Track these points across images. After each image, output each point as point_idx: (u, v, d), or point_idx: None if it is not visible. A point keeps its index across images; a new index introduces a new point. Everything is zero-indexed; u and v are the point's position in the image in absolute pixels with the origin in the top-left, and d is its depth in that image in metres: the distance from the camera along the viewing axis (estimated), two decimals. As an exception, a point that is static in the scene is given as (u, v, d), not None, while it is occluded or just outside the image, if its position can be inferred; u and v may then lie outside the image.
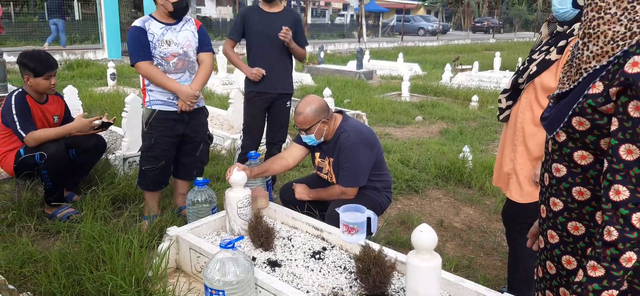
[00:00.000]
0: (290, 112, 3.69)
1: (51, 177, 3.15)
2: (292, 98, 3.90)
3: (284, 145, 3.88)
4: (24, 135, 3.09)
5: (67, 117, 3.52)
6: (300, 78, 10.24)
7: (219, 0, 41.07)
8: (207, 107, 6.37)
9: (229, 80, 9.37)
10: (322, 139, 2.91)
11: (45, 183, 3.19)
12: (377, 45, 22.62)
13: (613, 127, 1.06)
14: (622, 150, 1.04)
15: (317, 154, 3.05)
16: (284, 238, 2.78)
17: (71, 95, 5.19)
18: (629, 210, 1.04)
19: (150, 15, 3.04)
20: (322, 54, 13.23)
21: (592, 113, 1.11)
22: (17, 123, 3.09)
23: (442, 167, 4.55)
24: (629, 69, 1.01)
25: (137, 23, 2.98)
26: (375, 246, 2.37)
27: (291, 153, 3.07)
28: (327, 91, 6.14)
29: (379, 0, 39.95)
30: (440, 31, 31.21)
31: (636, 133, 1.03)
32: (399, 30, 30.40)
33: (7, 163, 3.23)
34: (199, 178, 3.01)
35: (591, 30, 1.16)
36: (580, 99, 1.14)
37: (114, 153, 4.15)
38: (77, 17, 24.01)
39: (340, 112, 3.02)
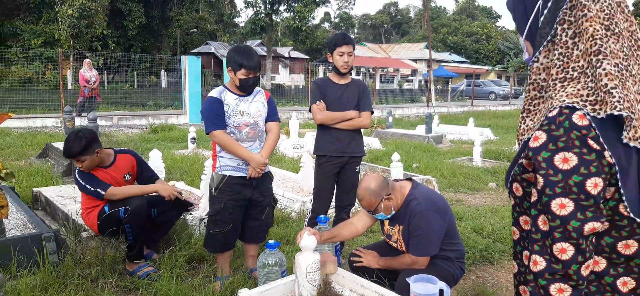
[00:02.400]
0: (360, 175, 3.73)
1: (133, 231, 3.36)
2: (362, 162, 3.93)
3: (352, 209, 3.90)
4: (102, 193, 3.38)
5: (140, 173, 3.75)
6: (369, 142, 10.31)
7: (291, 69, 42.89)
8: (278, 170, 6.61)
9: (300, 144, 9.62)
10: (392, 212, 2.91)
11: (127, 238, 3.39)
12: (446, 110, 22.44)
13: (533, 198, 1.09)
14: (540, 221, 1.07)
15: (386, 222, 3.04)
16: (352, 306, 2.75)
17: (155, 159, 5.54)
18: (546, 280, 1.05)
19: (225, 86, 3.24)
20: (390, 119, 13.31)
21: (520, 181, 1.15)
22: (89, 188, 3.41)
23: (518, 237, 4.34)
24: (531, 143, 1.05)
25: (213, 94, 3.18)
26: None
27: (360, 219, 3.08)
28: (395, 156, 6.13)
29: (448, 66, 39.97)
30: (512, 95, 30.50)
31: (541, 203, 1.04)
32: (468, 94, 30.08)
33: (91, 221, 3.50)
34: (271, 241, 3.07)
35: (531, 107, 1.21)
36: (516, 165, 1.18)
37: (191, 214, 4.34)
38: (163, 85, 25.94)
39: (409, 179, 3.02)
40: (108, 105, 17.87)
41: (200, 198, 3.69)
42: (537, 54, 1.15)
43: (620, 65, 1.05)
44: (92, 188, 3.41)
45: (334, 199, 3.89)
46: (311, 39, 31.05)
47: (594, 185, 1.02)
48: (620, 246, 1.10)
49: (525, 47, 1.22)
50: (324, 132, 3.66)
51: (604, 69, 1.02)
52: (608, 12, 1.10)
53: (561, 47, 1.08)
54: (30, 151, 8.71)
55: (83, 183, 3.43)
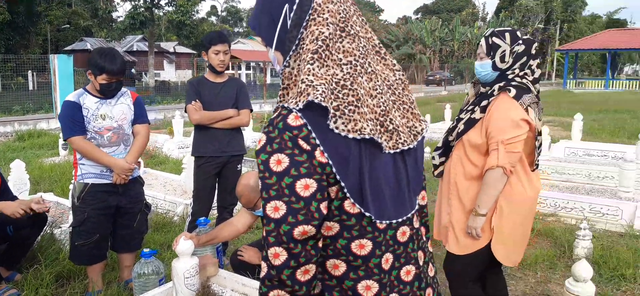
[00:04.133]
0: (242, 174, 3.72)
1: None
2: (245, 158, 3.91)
3: (235, 209, 3.88)
4: None
5: (4, 190, 3.41)
6: (259, 137, 10.29)
7: (177, 64, 41.31)
8: (160, 172, 6.35)
9: (185, 144, 9.34)
10: None
11: (-20, 263, 3.06)
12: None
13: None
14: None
15: (266, 218, 3.06)
16: (234, 306, 2.74)
17: (18, 170, 5.05)
18: (266, 287, 1.07)
19: (85, 89, 3.05)
20: (279, 113, 13.37)
21: None
22: None
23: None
24: (257, 146, 1.06)
25: (71, 97, 2.97)
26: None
27: (241, 218, 3.07)
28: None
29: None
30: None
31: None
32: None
33: None
34: (146, 250, 2.96)
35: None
36: None
37: (60, 227, 4.03)
38: (30, 87, 23.59)
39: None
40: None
41: (48, 207, 3.39)
42: (287, 59, 1.14)
43: (354, 62, 1.09)
44: None
45: (216, 200, 3.84)
46: (196, 33, 30.05)
47: (304, 186, 1.00)
48: (354, 247, 1.08)
49: (275, 59, 1.21)
50: (202, 133, 3.59)
51: (313, 69, 1.05)
52: (343, 15, 1.14)
53: (304, 53, 1.10)
54: None
55: None
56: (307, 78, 1.05)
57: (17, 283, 3.29)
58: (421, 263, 1.24)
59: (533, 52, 2.23)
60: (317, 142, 1.02)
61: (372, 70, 1.14)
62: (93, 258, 3.14)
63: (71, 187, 4.26)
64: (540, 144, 2.30)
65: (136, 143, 3.13)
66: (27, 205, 3.19)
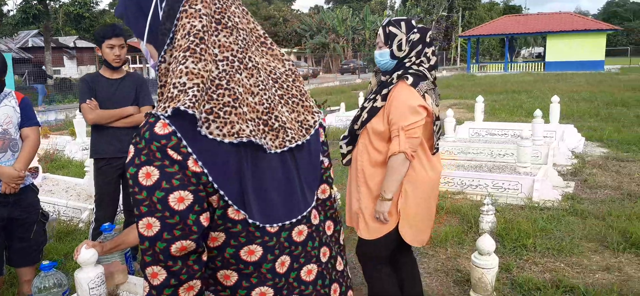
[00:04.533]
0: None
1: None
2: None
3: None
4: None
5: None
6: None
7: (79, 60, 38.70)
8: (61, 177, 5.91)
9: (88, 145, 8.78)
10: None
11: None
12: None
13: None
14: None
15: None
16: (145, 313, 2.61)
17: None
18: None
19: None
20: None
21: None
22: None
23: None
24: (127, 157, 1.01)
25: None
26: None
27: (147, 220, 2.92)
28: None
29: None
30: (310, 75, 32.46)
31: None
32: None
33: None
34: (46, 262, 2.73)
35: None
36: None
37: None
38: None
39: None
40: None
41: None
42: (162, 54, 1.05)
43: (231, 57, 1.03)
44: None
45: (122, 204, 3.62)
46: (97, 26, 28.28)
47: (178, 199, 0.93)
48: (243, 254, 1.03)
49: (148, 52, 1.11)
50: (100, 133, 3.35)
51: (187, 67, 0.97)
52: (220, 5, 1.07)
53: (176, 50, 1.01)
54: None
55: None
56: (178, 82, 0.96)
57: None
58: (325, 259, 1.19)
59: (427, 40, 2.31)
60: (189, 150, 0.94)
61: (253, 65, 1.07)
62: None
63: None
64: (439, 128, 2.40)
65: (25, 149, 2.86)
66: None
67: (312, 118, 1.17)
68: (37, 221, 3.02)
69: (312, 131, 1.16)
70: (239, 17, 1.10)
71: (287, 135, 1.08)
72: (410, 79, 2.23)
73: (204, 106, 0.96)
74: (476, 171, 5.55)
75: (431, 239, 3.82)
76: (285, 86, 1.14)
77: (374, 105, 2.29)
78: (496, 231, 3.93)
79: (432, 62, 2.33)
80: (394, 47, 2.30)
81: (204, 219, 0.97)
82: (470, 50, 37.72)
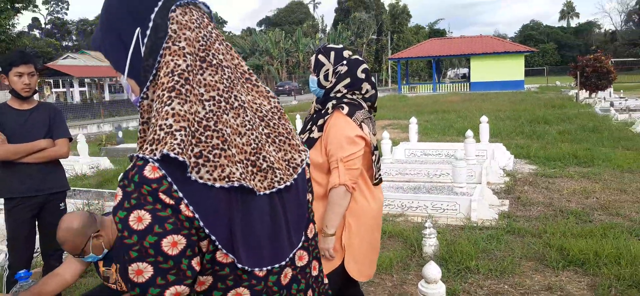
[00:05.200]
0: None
1: None
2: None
3: (65, 254, 3.33)
4: None
5: None
6: (97, 162, 9.33)
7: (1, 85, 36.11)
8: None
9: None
10: (104, 251, 2.55)
11: None
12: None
13: None
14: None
15: (101, 262, 2.66)
16: None
17: None
18: None
19: None
20: (120, 133, 12.35)
21: None
22: None
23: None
24: (113, 201, 0.97)
25: None
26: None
27: (68, 267, 2.61)
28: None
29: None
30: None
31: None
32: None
33: None
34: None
35: None
36: None
37: None
38: None
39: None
40: None
41: None
42: (145, 90, 1.00)
43: (217, 97, 1.00)
44: None
45: (38, 246, 3.25)
46: (14, 49, 26.57)
47: (171, 244, 0.90)
48: None
49: (129, 87, 1.06)
50: (8, 170, 2.98)
51: (173, 108, 0.93)
52: (204, 43, 1.02)
53: (159, 89, 0.97)
54: None
55: None
56: (165, 123, 0.92)
57: None
58: None
59: (358, 74, 2.25)
60: (180, 194, 0.91)
61: (239, 104, 1.03)
62: None
63: None
64: (378, 158, 2.32)
65: None
66: None
67: (299, 156, 1.15)
68: None
69: (299, 170, 1.14)
70: (222, 53, 1.05)
71: (276, 176, 1.06)
72: (346, 108, 2.16)
73: (192, 150, 0.94)
74: (415, 192, 5.58)
75: (377, 266, 3.73)
76: (271, 124, 1.11)
77: (311, 136, 2.20)
78: (439, 254, 3.91)
79: (367, 95, 2.27)
80: (321, 77, 2.26)
81: (196, 264, 0.95)
82: (400, 72, 38.96)
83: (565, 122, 12.19)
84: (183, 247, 0.91)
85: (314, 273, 1.21)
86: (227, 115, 1.00)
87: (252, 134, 1.04)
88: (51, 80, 35.05)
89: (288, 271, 1.10)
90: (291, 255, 1.11)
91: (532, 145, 8.96)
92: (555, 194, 5.77)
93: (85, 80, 35.78)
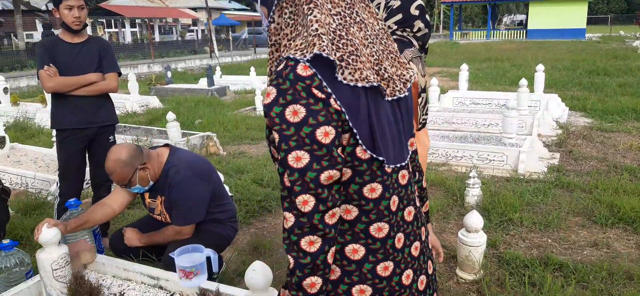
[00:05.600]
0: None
1: None
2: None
3: (114, 185, 3.48)
4: None
5: None
6: (147, 101, 9.61)
7: (52, 23, 37.39)
8: (30, 147, 5.63)
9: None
10: (150, 183, 2.64)
11: None
12: (230, 60, 22.34)
13: (276, 156, 1.13)
14: (285, 178, 1.07)
15: (147, 194, 2.76)
16: (115, 295, 2.45)
17: None
18: (296, 235, 1.06)
19: None
20: (169, 74, 12.60)
21: (270, 143, 1.16)
22: None
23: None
24: (265, 100, 1.07)
25: None
26: (213, 287, 2.17)
27: (116, 197, 2.73)
28: (170, 115, 5.76)
29: (230, 14, 39.67)
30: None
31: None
32: (252, 42, 30.42)
33: None
34: (5, 241, 2.54)
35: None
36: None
37: None
38: None
39: (167, 145, 2.77)
40: None
41: None
42: (271, 14, 1.15)
43: (342, 13, 1.11)
44: None
45: (89, 178, 3.40)
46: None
47: (324, 134, 1.02)
48: (366, 191, 1.12)
49: (262, 13, 1.20)
50: (61, 102, 3.10)
51: (315, 16, 1.06)
52: None
53: (290, 6, 1.12)
54: None
55: None
56: (311, 29, 1.06)
57: None
58: (418, 204, 1.30)
59: (413, 11, 2.13)
60: (329, 90, 1.04)
61: (361, 20, 1.15)
62: None
63: None
64: (425, 101, 2.23)
65: None
66: None
67: (407, 73, 1.23)
68: None
69: (408, 85, 1.22)
70: None
71: (397, 85, 1.17)
72: None
73: (335, 54, 1.06)
74: (461, 142, 5.44)
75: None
76: (384, 42, 1.20)
77: None
78: (482, 205, 3.83)
79: (419, 33, 2.15)
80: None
81: (341, 153, 1.07)
82: (453, 17, 37.43)
83: (627, 74, 11.42)
84: (333, 137, 1.03)
85: (418, 184, 1.37)
86: (353, 28, 1.12)
87: (374, 47, 1.15)
88: (103, 20, 35.92)
89: (405, 173, 1.22)
90: (407, 159, 1.23)
91: (589, 97, 8.49)
92: (610, 149, 5.49)
93: (136, 21, 36.44)
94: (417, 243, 1.26)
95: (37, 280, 2.48)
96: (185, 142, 5.61)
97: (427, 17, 2.22)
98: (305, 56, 1.03)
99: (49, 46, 3.05)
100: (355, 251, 1.15)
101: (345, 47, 1.08)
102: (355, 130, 1.07)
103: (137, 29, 37.31)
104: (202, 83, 12.12)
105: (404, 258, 1.21)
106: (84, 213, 2.67)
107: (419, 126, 2.27)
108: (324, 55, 1.02)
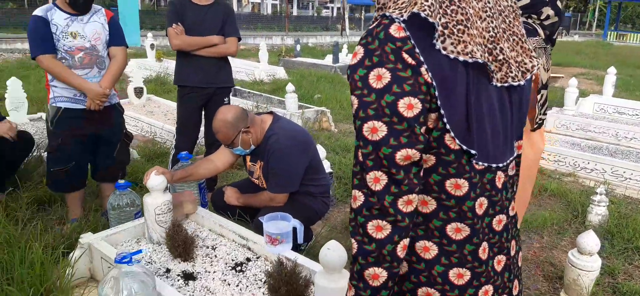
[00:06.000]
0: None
1: None
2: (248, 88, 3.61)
3: (226, 145, 3.67)
4: None
5: None
6: (274, 71, 10.02)
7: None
8: (163, 100, 6.17)
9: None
10: (251, 146, 2.72)
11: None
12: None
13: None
14: (359, 151, 0.94)
15: (248, 157, 2.86)
16: (208, 247, 2.59)
17: (15, 89, 4.91)
18: (364, 217, 0.92)
19: (54, 3, 2.79)
20: (298, 47, 12.99)
21: None
22: None
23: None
24: (351, 60, 0.93)
25: (38, 12, 2.74)
26: (292, 257, 2.18)
27: (220, 156, 2.86)
28: (289, 86, 5.92)
29: (366, -6, 39.72)
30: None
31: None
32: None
33: None
34: (121, 181, 2.80)
35: None
36: None
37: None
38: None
39: (271, 112, 2.83)
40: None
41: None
42: None
43: None
44: None
45: (203, 135, 3.62)
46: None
47: (407, 106, 0.87)
48: (449, 185, 0.96)
49: None
50: (185, 60, 3.32)
51: None
52: None
53: None
54: None
55: None
56: None
57: (0, 203, 3.19)
58: (512, 213, 1.13)
59: None
60: (422, 58, 0.88)
61: None
62: (69, 186, 3.00)
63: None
64: (545, 100, 1.98)
65: (111, 68, 2.90)
66: (15, 131, 3.19)
67: (530, 62, 1.07)
68: (120, 140, 3.10)
69: (528, 76, 1.06)
70: None
71: (511, 71, 1.01)
72: None
73: (439, 19, 0.91)
74: (593, 152, 4.86)
75: (525, 222, 3.39)
76: (507, 21, 1.04)
77: None
78: (605, 226, 3.38)
79: (547, 21, 1.91)
80: None
81: (424, 132, 0.92)
82: (609, 15, 33.54)
83: None
84: (418, 111, 0.89)
85: (513, 192, 1.15)
86: None
87: (492, 22, 1.00)
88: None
89: (501, 176, 1.05)
90: (508, 160, 1.06)
91: None
92: None
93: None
94: (502, 257, 1.09)
95: (142, 221, 2.71)
96: (301, 113, 5.74)
97: (559, 4, 1.97)
98: (402, 15, 0.90)
99: (178, 6, 3.27)
100: (427, 249, 1.01)
101: (453, 15, 0.93)
102: (442, 111, 0.91)
103: (277, 2, 39.02)
104: (328, 59, 12.31)
105: (486, 271, 1.04)
106: (189, 167, 2.85)
107: (535, 126, 2.04)
108: (423, 15, 0.88)
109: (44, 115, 5.01)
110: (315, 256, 2.69)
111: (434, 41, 0.90)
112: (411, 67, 0.88)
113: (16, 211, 2.98)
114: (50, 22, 2.70)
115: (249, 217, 2.91)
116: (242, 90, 7.47)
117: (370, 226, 0.92)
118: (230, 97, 3.57)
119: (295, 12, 35.50)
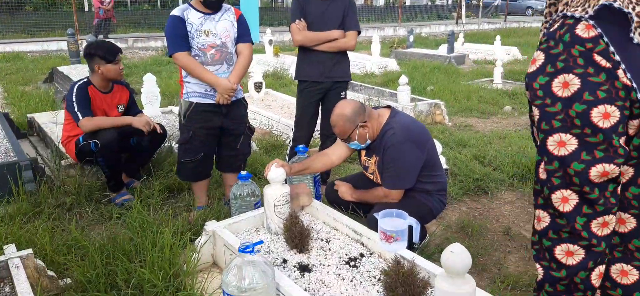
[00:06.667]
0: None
1: (107, 164, 3.28)
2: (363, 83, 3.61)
3: (340, 138, 3.70)
4: (80, 118, 3.23)
5: (130, 106, 3.63)
6: (385, 63, 9.92)
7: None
8: (280, 94, 6.39)
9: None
10: (367, 141, 2.70)
11: (103, 170, 3.32)
12: (476, 27, 21.40)
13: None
14: (541, 167, 0.87)
15: (363, 152, 2.84)
16: (322, 240, 2.62)
17: (149, 84, 5.38)
18: (550, 240, 0.82)
19: (189, 3, 2.99)
20: (411, 38, 12.72)
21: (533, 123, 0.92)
22: (73, 105, 3.27)
23: (522, 165, 4.09)
24: (529, 67, 0.83)
25: (175, 12, 2.95)
26: (409, 257, 2.13)
27: (336, 149, 2.89)
28: (402, 79, 5.82)
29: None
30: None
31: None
32: (504, 10, 28.43)
33: (71, 149, 3.44)
34: (243, 172, 2.94)
35: None
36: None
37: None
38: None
39: (388, 106, 2.79)
40: (126, 26, 17.55)
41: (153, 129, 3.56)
42: None
43: None
44: (75, 108, 3.27)
45: (319, 128, 3.68)
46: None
47: (603, 115, 0.78)
48: None
49: None
50: (305, 55, 3.39)
51: None
52: None
53: None
54: (40, 75, 8.71)
55: (73, 100, 3.29)
56: None
57: (134, 190, 3.53)
58: None
59: None
60: (618, 58, 0.79)
61: None
62: (198, 175, 3.22)
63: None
64: None
65: (239, 63, 3.06)
66: (152, 124, 3.47)
67: None
68: (244, 133, 3.26)
69: None
70: None
71: None
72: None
73: (633, 8, 0.79)
74: None
75: None
76: None
77: None
78: None
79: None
80: None
81: (624, 143, 0.81)
82: None
83: None
84: (616, 121, 0.79)
85: None
86: None
87: None
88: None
89: None
90: None
91: None
92: None
93: (391, -16, 37.63)
94: None
95: (262, 211, 2.82)
96: (413, 106, 5.61)
97: None
98: (587, 11, 0.78)
99: (302, 1, 3.34)
100: (625, 273, 0.87)
101: None
102: None
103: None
104: (442, 49, 11.92)
105: None
106: (306, 160, 2.91)
107: None
108: (616, 6, 0.75)
109: (174, 108, 5.45)
110: (429, 256, 2.61)
111: (632, 34, 0.77)
112: (606, 70, 0.78)
113: (149, 198, 3.27)
114: (186, 21, 2.91)
115: (362, 211, 2.89)
116: (353, 83, 7.50)
117: (559, 251, 0.83)
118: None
119: (408, 2, 34.82)
